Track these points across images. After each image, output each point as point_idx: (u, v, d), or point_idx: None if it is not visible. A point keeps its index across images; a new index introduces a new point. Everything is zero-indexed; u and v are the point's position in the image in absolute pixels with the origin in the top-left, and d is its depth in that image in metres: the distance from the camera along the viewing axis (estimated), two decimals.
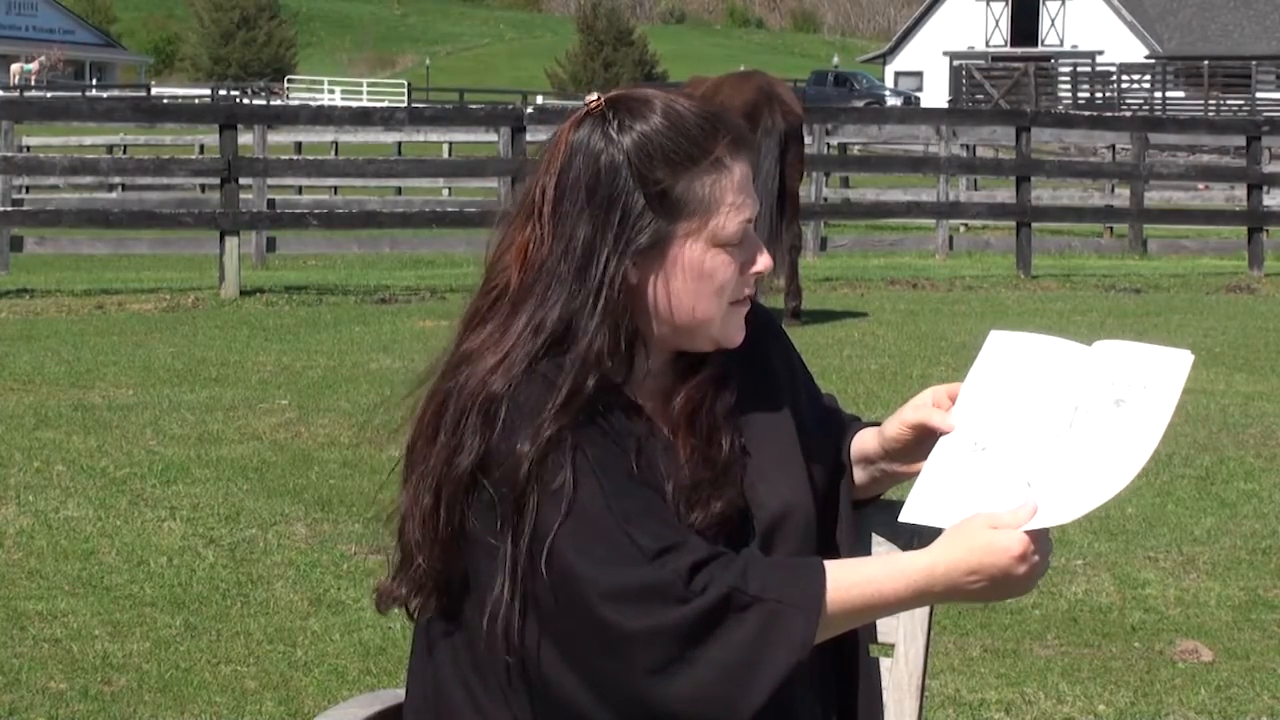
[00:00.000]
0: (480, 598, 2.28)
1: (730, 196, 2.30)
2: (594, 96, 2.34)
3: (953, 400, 2.38)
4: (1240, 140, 22.87)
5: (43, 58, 68.90)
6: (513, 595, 2.21)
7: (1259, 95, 66.29)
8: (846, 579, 2.22)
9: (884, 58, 79.51)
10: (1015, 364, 2.35)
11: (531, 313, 2.27)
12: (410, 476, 2.32)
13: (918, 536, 2.40)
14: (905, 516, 2.31)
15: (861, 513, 2.53)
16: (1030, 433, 2.28)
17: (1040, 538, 2.21)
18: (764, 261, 2.35)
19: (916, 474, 2.40)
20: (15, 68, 66.91)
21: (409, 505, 2.32)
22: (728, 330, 2.35)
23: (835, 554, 2.43)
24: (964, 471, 2.30)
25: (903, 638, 2.52)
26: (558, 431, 2.21)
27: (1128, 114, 51.76)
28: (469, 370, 2.28)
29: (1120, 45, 72.43)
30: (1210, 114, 58.92)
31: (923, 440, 2.40)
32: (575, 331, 2.26)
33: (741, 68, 21.15)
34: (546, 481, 2.20)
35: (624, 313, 2.28)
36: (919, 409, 2.40)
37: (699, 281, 2.30)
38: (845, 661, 2.47)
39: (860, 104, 59.95)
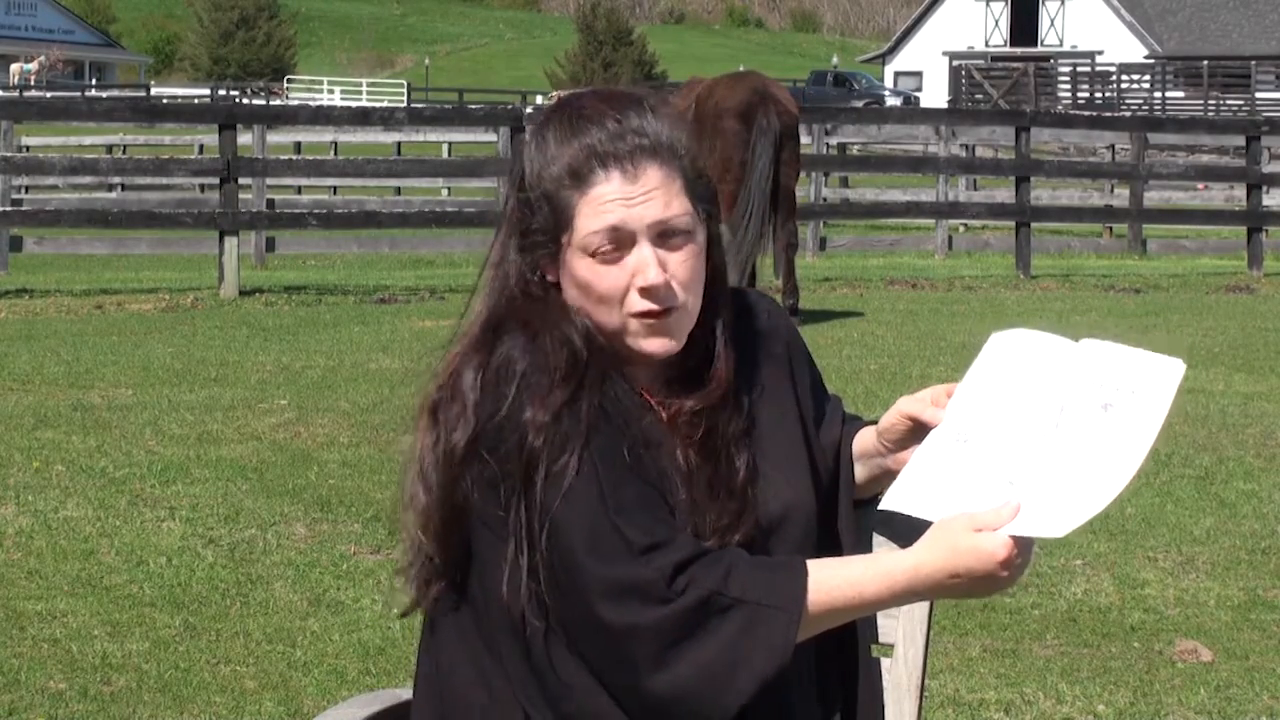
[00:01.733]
0: (485, 576, 2.31)
1: (587, 206, 2.34)
2: (553, 95, 2.41)
3: (950, 399, 2.39)
4: (1240, 140, 22.86)
5: (42, 58, 68.92)
6: (530, 566, 2.25)
7: (1258, 95, 66.29)
8: (829, 580, 2.23)
9: (883, 58, 79.50)
10: (1009, 361, 2.35)
11: (482, 305, 2.40)
12: (411, 470, 2.38)
13: (917, 537, 2.41)
14: (885, 504, 2.33)
15: (861, 511, 2.53)
16: (1014, 429, 2.28)
17: (1023, 540, 2.21)
18: (645, 277, 2.33)
19: None
20: (15, 68, 66.94)
21: (410, 493, 2.37)
22: (637, 342, 2.36)
23: (838, 553, 2.44)
24: (945, 463, 2.30)
25: (902, 638, 2.52)
26: (570, 396, 2.27)
27: (1127, 114, 51.76)
28: (458, 366, 2.35)
29: (1120, 45, 72.43)
30: (1210, 114, 58.92)
31: (916, 433, 2.41)
32: (540, 315, 2.35)
33: (741, 68, 21.15)
34: (553, 457, 2.24)
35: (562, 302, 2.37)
36: (915, 401, 2.42)
37: (582, 290, 2.35)
38: (846, 662, 2.48)
39: (860, 104, 59.92)
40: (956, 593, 2.23)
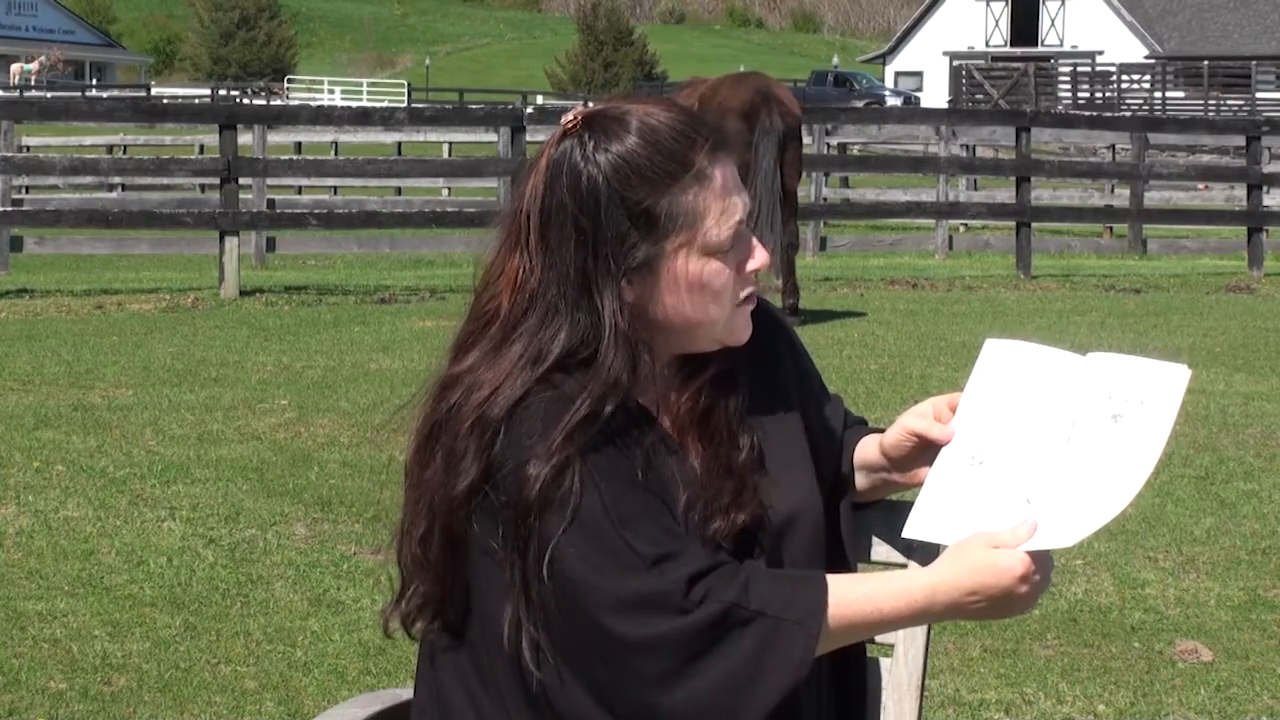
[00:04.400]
0: (482, 605, 2.28)
1: (716, 204, 2.28)
2: (570, 116, 2.31)
3: (953, 411, 2.37)
4: (1240, 140, 22.85)
5: (43, 58, 68.87)
6: (526, 608, 2.21)
7: (1259, 95, 66.29)
8: (847, 595, 2.21)
9: (884, 58, 79.51)
10: (1012, 375, 2.34)
11: (528, 340, 2.26)
12: (406, 501, 2.33)
13: (916, 542, 2.40)
14: (908, 533, 2.31)
15: (862, 516, 2.53)
16: (1028, 447, 2.27)
17: (1041, 556, 2.21)
18: (760, 258, 2.33)
19: (914, 485, 2.39)
20: (15, 68, 66.88)
21: (404, 527, 2.33)
22: (732, 330, 2.34)
23: (843, 554, 2.44)
24: (963, 487, 2.29)
25: (902, 638, 2.52)
26: (569, 456, 2.20)
27: (1128, 114, 51.75)
28: (463, 395, 2.26)
29: (1120, 45, 72.44)
30: (1210, 114, 58.92)
31: (922, 450, 2.39)
32: (590, 359, 2.24)
33: (741, 68, 21.14)
34: (553, 498, 2.19)
35: (634, 333, 2.27)
36: (920, 418, 2.39)
37: (696, 292, 2.29)
38: (849, 664, 2.47)
39: (860, 104, 59.92)
40: (975, 613, 2.21)
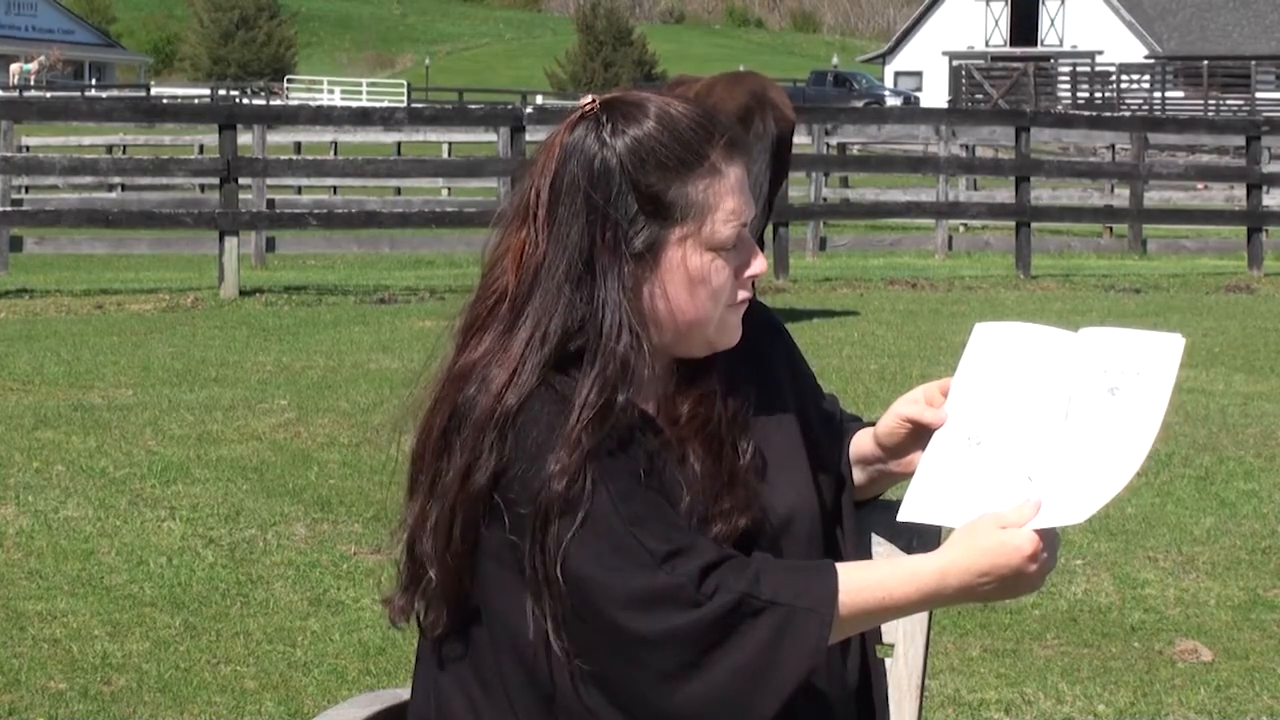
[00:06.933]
0: (490, 606, 2.28)
1: (724, 201, 2.29)
2: (589, 99, 2.33)
3: (945, 395, 2.38)
4: (1240, 140, 22.86)
5: (42, 58, 68.85)
6: (542, 610, 2.20)
7: (1258, 95, 66.29)
8: (858, 582, 2.21)
9: (884, 58, 79.52)
10: (1003, 355, 2.34)
11: (535, 321, 2.25)
12: (417, 490, 2.31)
13: (918, 536, 2.40)
14: (904, 515, 2.31)
15: (861, 513, 2.52)
16: (1025, 425, 2.27)
17: (1049, 535, 2.21)
18: (759, 265, 2.33)
19: (911, 472, 2.39)
20: (15, 68, 66.87)
21: (419, 519, 2.30)
22: (724, 333, 2.34)
23: (840, 555, 2.43)
24: (960, 468, 2.29)
25: (902, 638, 2.52)
26: (584, 454, 2.19)
27: (1127, 114, 51.74)
28: (479, 384, 2.26)
29: (1119, 45, 72.43)
30: (1210, 114, 58.91)
31: (916, 436, 2.40)
32: (588, 342, 2.25)
33: (741, 68, 21.17)
34: (565, 500, 2.19)
35: (635, 319, 2.26)
36: (911, 403, 2.40)
37: (694, 286, 2.29)
38: (859, 665, 2.47)
39: (860, 104, 59.91)
40: (986, 595, 2.22)
